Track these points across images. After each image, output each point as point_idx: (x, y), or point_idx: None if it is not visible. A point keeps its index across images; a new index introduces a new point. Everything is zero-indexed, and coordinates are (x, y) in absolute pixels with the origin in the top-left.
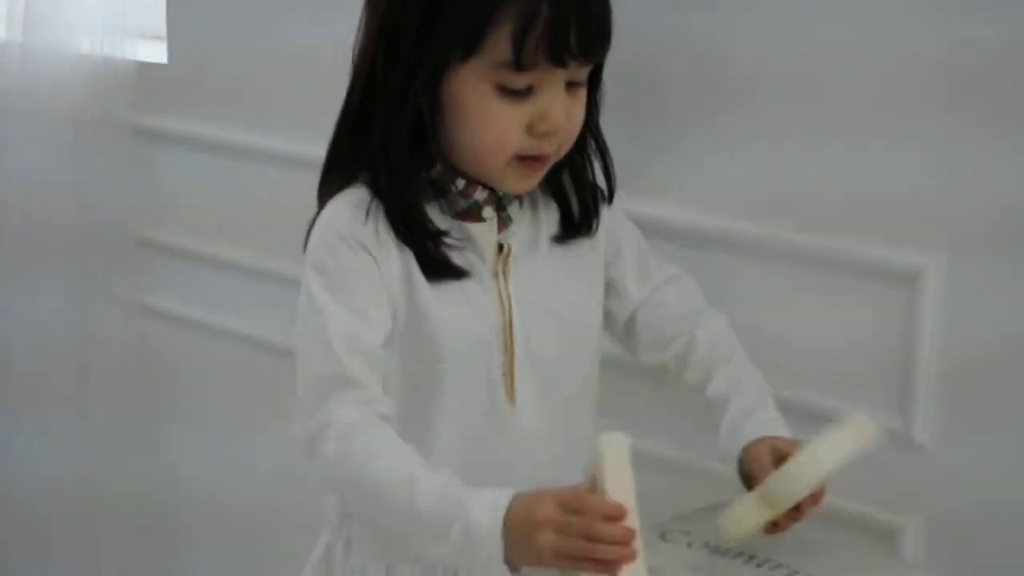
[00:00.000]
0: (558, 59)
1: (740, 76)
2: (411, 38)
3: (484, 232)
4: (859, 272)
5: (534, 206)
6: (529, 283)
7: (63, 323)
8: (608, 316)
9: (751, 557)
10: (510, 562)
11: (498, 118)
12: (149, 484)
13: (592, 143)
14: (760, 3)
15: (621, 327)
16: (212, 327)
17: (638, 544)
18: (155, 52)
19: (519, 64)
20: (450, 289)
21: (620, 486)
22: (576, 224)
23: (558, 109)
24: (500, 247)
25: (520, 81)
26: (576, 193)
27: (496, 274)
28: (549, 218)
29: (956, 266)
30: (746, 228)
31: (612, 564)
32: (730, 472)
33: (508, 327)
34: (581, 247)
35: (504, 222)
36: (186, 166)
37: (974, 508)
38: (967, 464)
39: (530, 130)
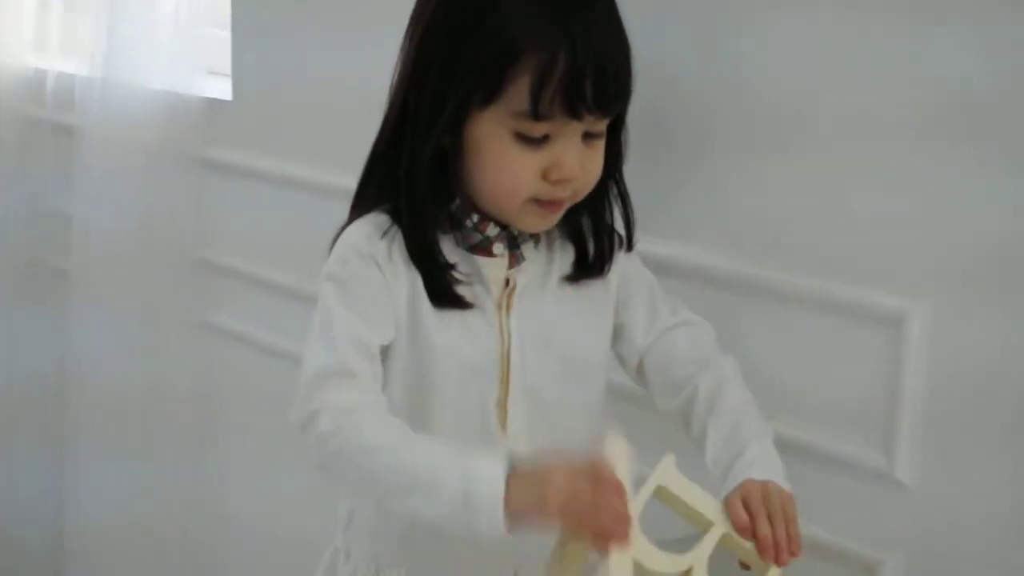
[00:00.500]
0: (574, 112)
1: (738, 125)
2: (437, 84)
3: (493, 267)
4: (846, 314)
5: (550, 246)
6: (532, 318)
7: (131, 337)
8: (620, 360)
9: None
10: (511, 520)
11: (514, 163)
12: (197, 516)
13: (614, 189)
14: (760, 51)
15: (634, 371)
16: (263, 344)
17: (632, 534)
18: (221, 89)
19: (536, 114)
20: (453, 316)
21: (624, 477)
22: (589, 266)
23: (572, 159)
24: (507, 281)
25: (537, 130)
26: (593, 236)
27: (499, 307)
28: (563, 258)
29: (940, 310)
30: (741, 268)
31: (607, 537)
32: None
33: (506, 358)
34: (592, 288)
35: (517, 259)
36: (245, 195)
37: (953, 546)
38: (947, 502)
39: (545, 176)
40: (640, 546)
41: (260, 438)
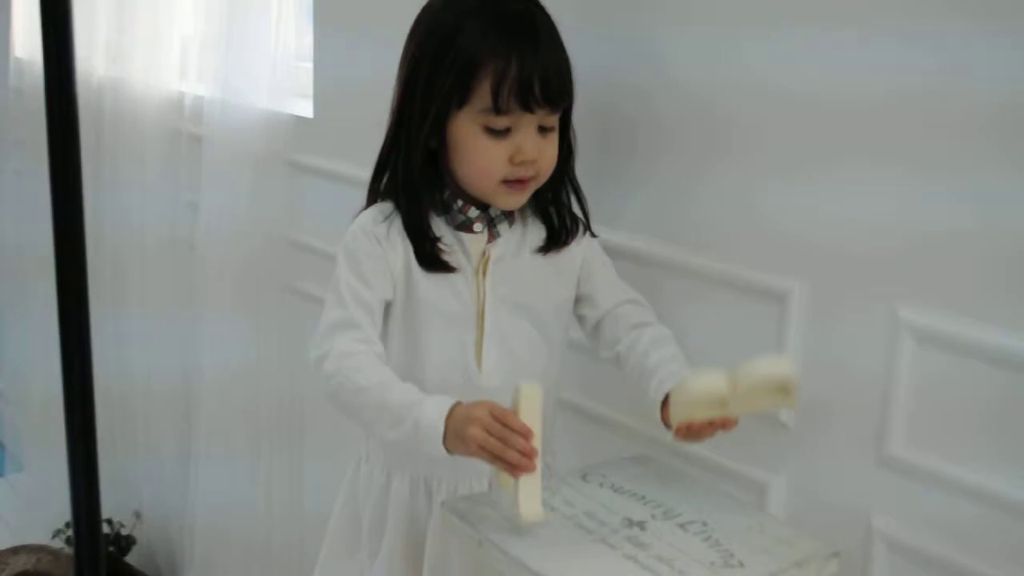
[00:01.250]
0: (526, 105)
1: (679, 124)
2: (421, 94)
3: (474, 241)
4: (744, 290)
5: (524, 225)
6: (504, 281)
7: (237, 296)
8: (581, 320)
9: (642, 496)
10: (447, 447)
11: (485, 151)
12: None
13: (567, 181)
14: (705, 49)
15: (590, 329)
16: None
17: (538, 463)
18: (305, 108)
19: (497, 109)
20: (440, 278)
21: (530, 419)
22: (555, 239)
23: (530, 144)
24: (484, 253)
25: (500, 123)
26: (556, 216)
27: (477, 272)
28: (535, 234)
29: (817, 290)
30: (666, 252)
31: (515, 468)
32: (648, 429)
33: (482, 312)
34: (559, 261)
35: (494, 236)
36: (324, 192)
37: (820, 471)
38: (816, 439)
39: (511, 160)
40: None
41: None
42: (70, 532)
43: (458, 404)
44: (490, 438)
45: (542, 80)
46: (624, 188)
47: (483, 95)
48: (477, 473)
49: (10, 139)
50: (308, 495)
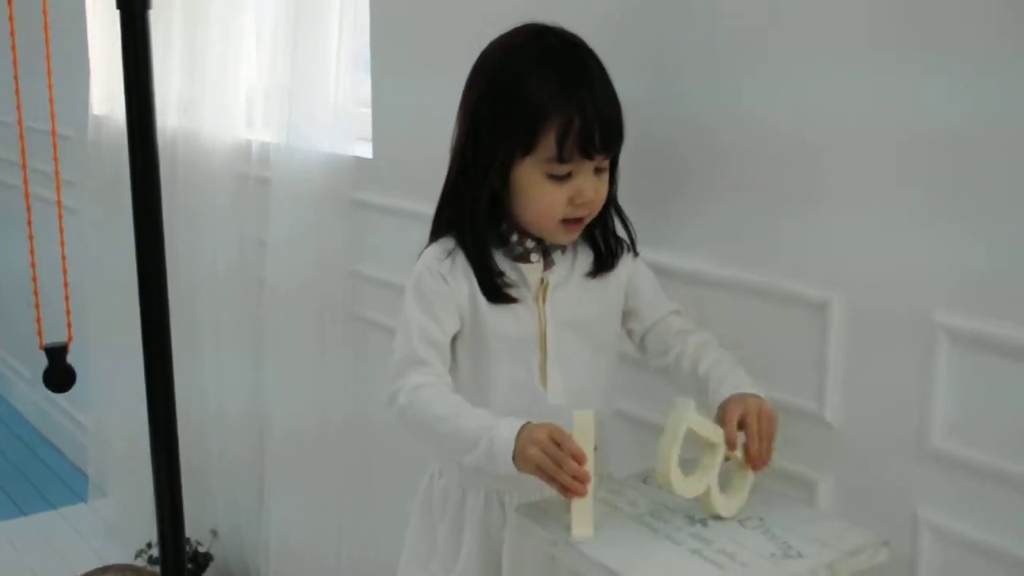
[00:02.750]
0: (587, 154)
1: (716, 167)
2: (488, 141)
3: (531, 271)
4: (790, 301)
5: (574, 252)
6: (561, 306)
7: (305, 327)
8: (630, 333)
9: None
10: (516, 465)
11: (548, 196)
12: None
13: (612, 208)
14: (754, 82)
15: (638, 341)
16: None
17: (590, 488)
18: (364, 150)
19: (561, 159)
20: (503, 308)
21: (584, 444)
22: (603, 262)
23: (589, 188)
24: (542, 280)
25: (562, 170)
26: (603, 240)
27: (537, 299)
28: (584, 260)
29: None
30: (716, 270)
31: (568, 491)
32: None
33: (543, 336)
34: (607, 282)
35: (549, 264)
36: (383, 226)
37: (866, 469)
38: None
39: (570, 202)
40: (672, 475)
41: None
42: (151, 552)
43: (527, 424)
44: (547, 459)
45: (602, 131)
46: (670, 209)
47: (548, 145)
48: (545, 485)
49: (89, 189)
50: (377, 518)
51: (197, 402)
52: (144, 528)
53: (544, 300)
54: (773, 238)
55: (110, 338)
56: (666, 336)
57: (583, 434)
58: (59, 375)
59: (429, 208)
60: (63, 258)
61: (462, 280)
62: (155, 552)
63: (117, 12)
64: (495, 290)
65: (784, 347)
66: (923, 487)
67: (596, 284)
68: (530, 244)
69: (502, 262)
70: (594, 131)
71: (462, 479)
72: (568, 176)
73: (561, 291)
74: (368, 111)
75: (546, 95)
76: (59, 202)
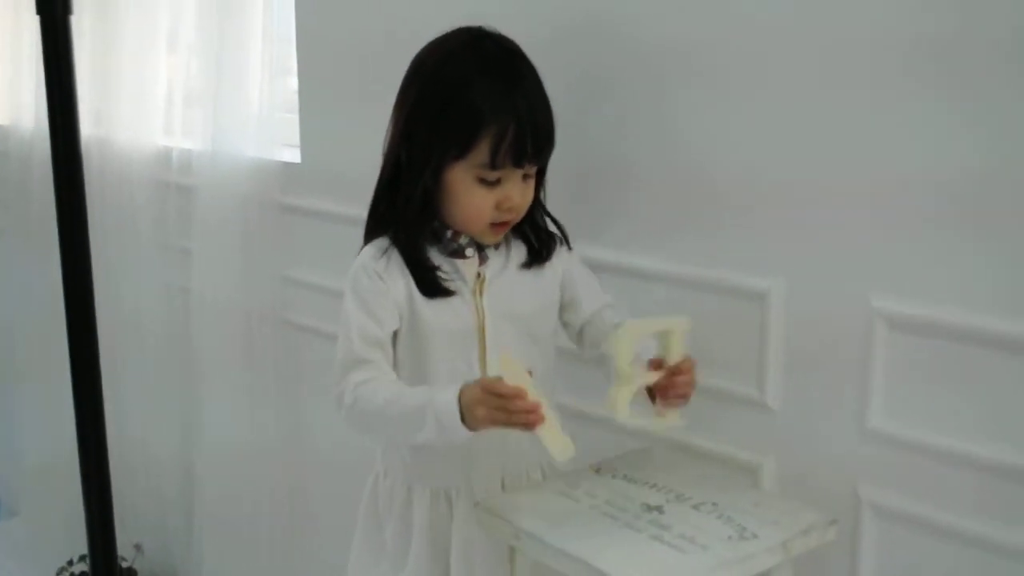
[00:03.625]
0: (518, 163)
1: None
2: (422, 143)
3: (467, 265)
4: (729, 291)
5: (507, 246)
6: (498, 298)
7: (235, 327)
8: (566, 326)
9: (653, 484)
10: (469, 427)
11: (476, 199)
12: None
13: (540, 209)
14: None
15: (575, 334)
16: (327, 333)
17: (546, 411)
18: (292, 155)
19: (493, 166)
20: (441, 303)
21: (516, 380)
22: (536, 255)
23: (517, 194)
24: (478, 274)
25: (492, 176)
26: (534, 236)
27: (474, 293)
28: (517, 252)
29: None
30: (655, 264)
31: (527, 425)
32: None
33: (482, 329)
34: (542, 274)
35: (483, 259)
36: (313, 230)
37: (807, 452)
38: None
39: (497, 207)
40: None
41: (330, 403)
42: (72, 568)
43: (463, 388)
44: (493, 411)
45: (534, 141)
46: (603, 207)
47: (482, 152)
48: (491, 477)
49: None
50: (314, 527)
51: (121, 416)
52: (60, 546)
53: (481, 294)
54: (711, 231)
55: (18, 353)
56: (601, 328)
57: (511, 372)
58: None
59: (360, 211)
60: None
61: (398, 277)
62: (76, 569)
63: (18, 17)
64: (432, 284)
65: (725, 336)
66: (863, 467)
67: (531, 276)
68: (464, 240)
69: (437, 258)
70: (527, 141)
71: (407, 477)
72: (497, 182)
73: (497, 284)
74: (295, 117)
75: (483, 103)
76: None
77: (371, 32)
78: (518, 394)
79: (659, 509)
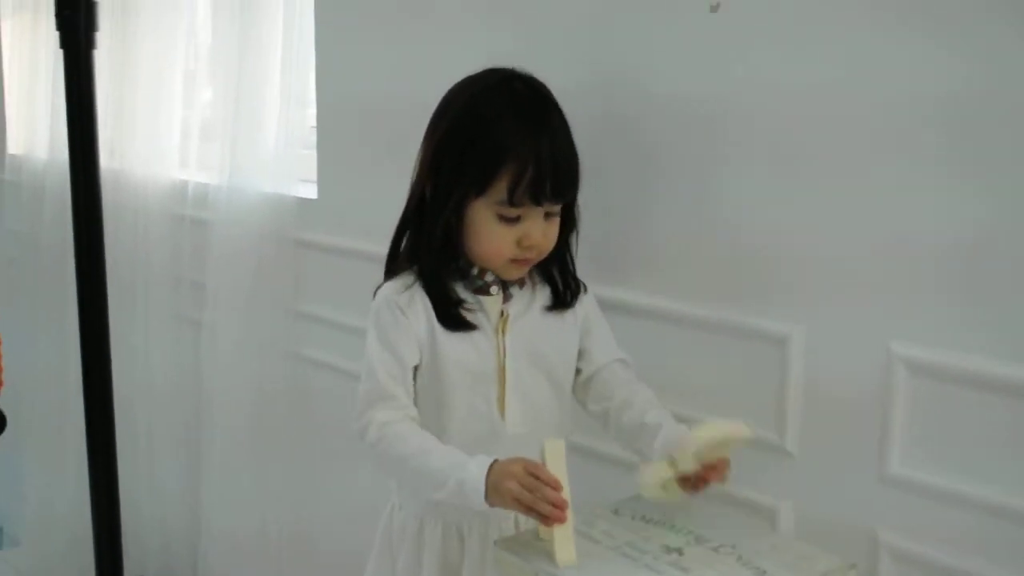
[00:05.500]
0: (536, 201)
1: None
2: (445, 182)
3: (492, 302)
4: (750, 336)
5: (532, 287)
6: (520, 338)
7: (246, 365)
8: (576, 373)
9: (672, 525)
10: (488, 502)
11: (497, 236)
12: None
13: (568, 251)
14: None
15: (583, 382)
16: (341, 369)
17: (569, 514)
18: (309, 191)
19: (511, 203)
20: (463, 337)
21: (557, 472)
22: (561, 299)
23: (537, 232)
24: (501, 312)
25: (512, 213)
26: (561, 279)
27: (497, 331)
28: (542, 295)
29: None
30: (676, 306)
31: (547, 518)
32: None
33: (502, 367)
34: (564, 318)
35: (508, 297)
36: (328, 265)
37: (825, 496)
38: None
39: (518, 244)
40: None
41: (341, 438)
42: None
43: (496, 461)
44: (523, 491)
45: (553, 181)
46: (626, 250)
47: (500, 190)
48: (504, 517)
49: (4, 229)
50: (322, 541)
51: (128, 450)
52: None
53: (504, 332)
54: (734, 276)
55: (25, 383)
56: (611, 382)
57: (555, 462)
58: None
59: (376, 248)
60: None
61: (420, 312)
62: None
63: (35, 50)
64: (455, 318)
65: (745, 380)
66: (882, 512)
67: (554, 319)
68: (490, 277)
69: (463, 293)
70: (546, 180)
71: (420, 511)
72: (518, 219)
73: (520, 323)
74: (313, 153)
75: (505, 140)
76: None
77: (390, 72)
78: (555, 484)
79: (679, 551)
